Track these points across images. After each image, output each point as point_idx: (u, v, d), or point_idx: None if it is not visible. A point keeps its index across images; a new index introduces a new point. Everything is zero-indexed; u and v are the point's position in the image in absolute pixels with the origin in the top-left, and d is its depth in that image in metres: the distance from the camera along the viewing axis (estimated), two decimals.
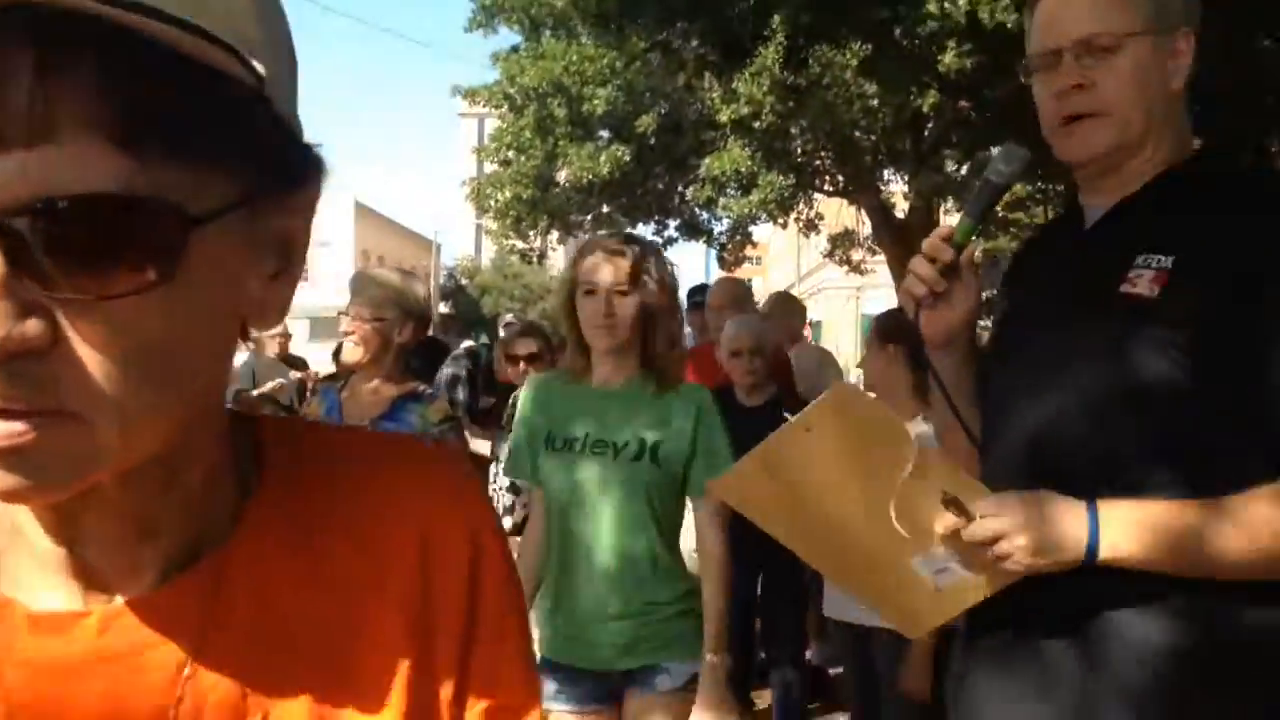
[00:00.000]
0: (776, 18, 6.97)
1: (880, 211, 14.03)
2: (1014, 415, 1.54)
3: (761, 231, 17.55)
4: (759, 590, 4.32)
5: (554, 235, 18.68)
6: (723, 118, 11.59)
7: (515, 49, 14.29)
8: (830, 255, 18.52)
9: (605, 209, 16.35)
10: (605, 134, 14.00)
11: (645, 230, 17.31)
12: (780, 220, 15.39)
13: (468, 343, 7.01)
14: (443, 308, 28.93)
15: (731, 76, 9.81)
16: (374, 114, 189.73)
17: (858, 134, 12.38)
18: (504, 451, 3.99)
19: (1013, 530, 1.37)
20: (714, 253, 17.78)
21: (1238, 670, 1.40)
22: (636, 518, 2.51)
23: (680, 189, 15.37)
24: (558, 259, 37.09)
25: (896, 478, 1.34)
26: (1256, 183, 1.53)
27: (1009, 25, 7.56)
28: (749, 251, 18.59)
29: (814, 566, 1.58)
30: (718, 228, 16.68)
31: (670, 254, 17.48)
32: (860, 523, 1.42)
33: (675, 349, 2.61)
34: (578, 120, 13.38)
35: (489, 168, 16.20)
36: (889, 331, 3.42)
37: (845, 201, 15.66)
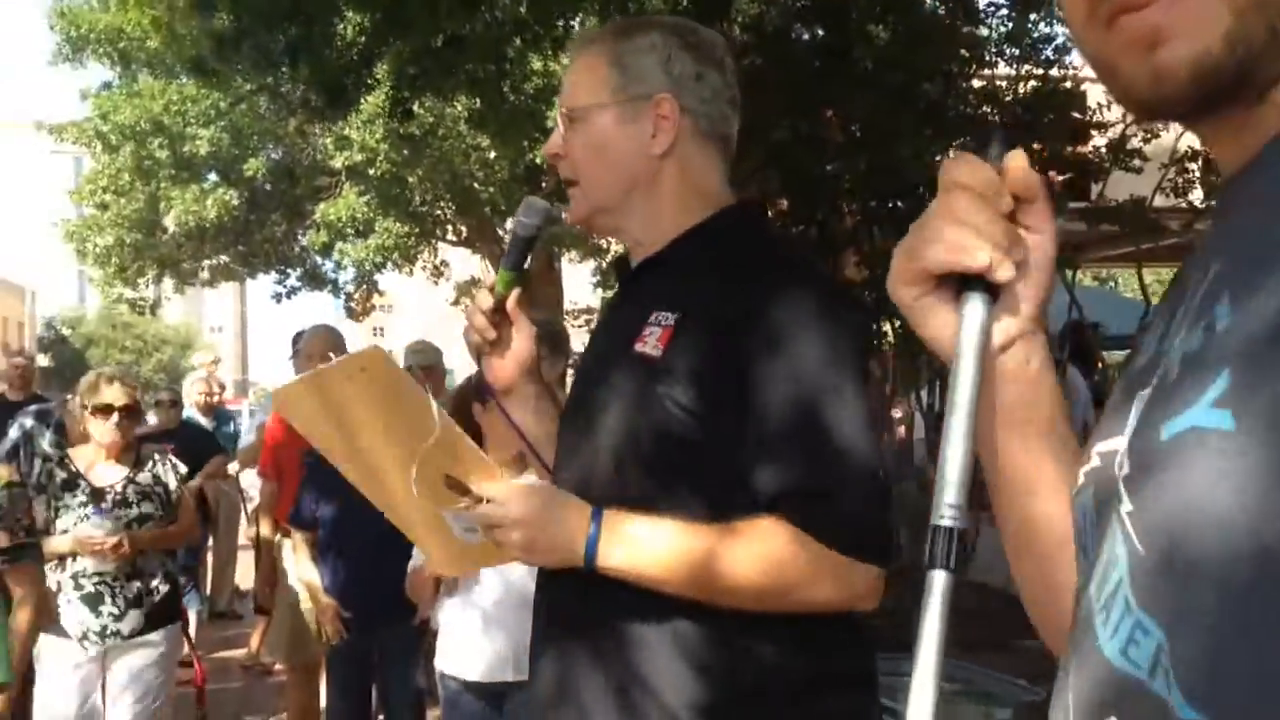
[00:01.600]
0: (381, 67, 6.93)
1: None
2: (562, 466, 1.59)
3: (389, 281, 17.32)
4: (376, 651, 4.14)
5: (169, 284, 17.55)
6: (336, 163, 11.34)
7: (108, 85, 13.35)
8: (457, 304, 18.56)
9: (223, 258, 15.55)
10: (212, 177, 13.33)
11: (266, 280, 16.60)
12: (405, 268, 15.23)
13: (36, 406, 6.28)
14: (42, 360, 26.36)
15: (341, 123, 9.64)
16: None
17: (476, 185, 12.50)
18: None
19: (509, 524, 1.39)
20: (341, 303, 17.32)
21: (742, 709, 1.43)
22: None
23: (298, 235, 14.86)
24: (173, 309, 34.80)
25: (418, 446, 1.41)
26: (754, 244, 1.59)
27: None
28: (378, 300, 18.23)
29: (360, 490, 1.63)
30: (342, 277, 16.28)
31: (296, 303, 16.86)
32: (393, 472, 1.51)
33: None
34: (181, 162, 12.64)
35: (87, 210, 14.98)
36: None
37: (470, 250, 15.76)
